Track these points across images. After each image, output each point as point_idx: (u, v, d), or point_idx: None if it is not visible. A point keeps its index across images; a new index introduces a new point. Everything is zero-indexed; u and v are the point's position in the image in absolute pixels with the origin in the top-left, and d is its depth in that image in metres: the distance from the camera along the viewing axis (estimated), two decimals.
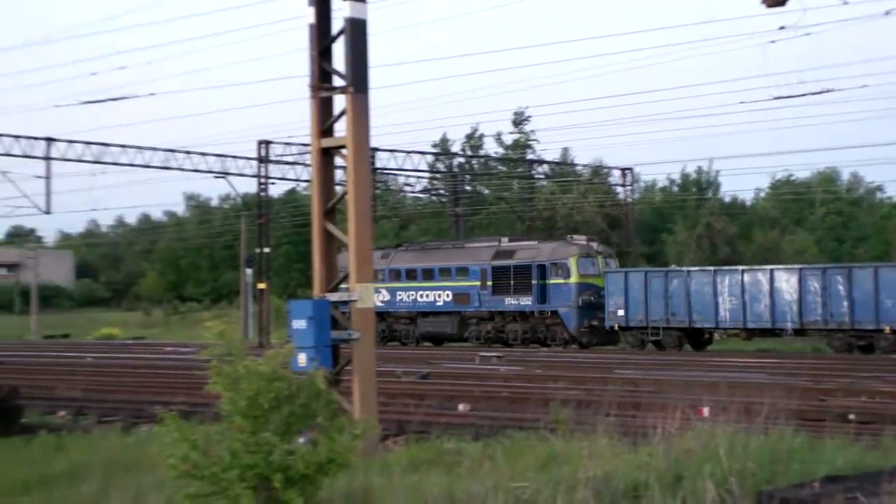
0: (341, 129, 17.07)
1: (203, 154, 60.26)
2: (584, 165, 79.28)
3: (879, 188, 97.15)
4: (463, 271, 53.25)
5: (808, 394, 23.27)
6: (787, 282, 43.52)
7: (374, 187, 62.02)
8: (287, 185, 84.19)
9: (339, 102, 17.04)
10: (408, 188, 75.13)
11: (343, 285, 17.10)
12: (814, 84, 49.91)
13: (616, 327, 47.96)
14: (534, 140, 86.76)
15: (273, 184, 60.88)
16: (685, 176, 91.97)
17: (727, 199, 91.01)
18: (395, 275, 55.02)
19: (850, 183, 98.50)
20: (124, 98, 52.43)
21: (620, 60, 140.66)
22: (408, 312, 54.74)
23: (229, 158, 60.85)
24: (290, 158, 59.13)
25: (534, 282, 50.46)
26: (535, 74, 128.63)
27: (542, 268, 50.35)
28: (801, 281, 43.05)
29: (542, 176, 78.45)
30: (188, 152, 59.78)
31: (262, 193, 58.77)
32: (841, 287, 41.99)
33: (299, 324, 16.48)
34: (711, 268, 48.26)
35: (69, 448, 17.49)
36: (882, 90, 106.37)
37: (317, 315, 16.39)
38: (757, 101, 74.93)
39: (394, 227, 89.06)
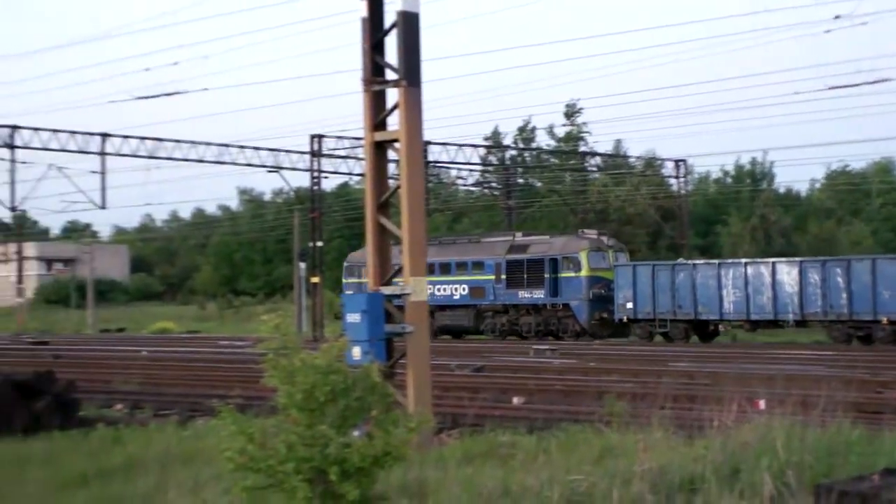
0: (394, 122, 17.09)
1: (256, 148, 60.74)
2: (637, 157, 79.23)
3: None
4: (479, 265, 53.71)
5: (866, 386, 23.07)
6: (788, 274, 44.16)
7: (427, 181, 62.05)
8: (339, 179, 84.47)
9: (392, 96, 17.05)
10: (460, 181, 75.25)
11: (396, 279, 17.16)
12: (869, 73, 49.54)
13: (625, 319, 48.61)
14: (586, 132, 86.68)
15: (326, 178, 61.16)
16: (739, 167, 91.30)
17: (782, 191, 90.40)
18: None
19: None
20: (177, 93, 53.01)
21: (673, 52, 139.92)
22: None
23: (282, 153, 61.30)
24: (342, 152, 59.43)
25: (546, 275, 51.03)
26: (587, 66, 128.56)
27: (554, 261, 50.98)
28: (801, 273, 43.64)
29: (594, 168, 78.30)
30: (241, 147, 60.29)
31: (315, 187, 59.06)
32: (840, 279, 42.59)
33: (353, 317, 16.49)
34: (716, 261, 49.15)
35: (126, 441, 17.60)
36: None
37: (370, 308, 16.41)
38: (812, 90, 74.33)
39: (446, 220, 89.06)
